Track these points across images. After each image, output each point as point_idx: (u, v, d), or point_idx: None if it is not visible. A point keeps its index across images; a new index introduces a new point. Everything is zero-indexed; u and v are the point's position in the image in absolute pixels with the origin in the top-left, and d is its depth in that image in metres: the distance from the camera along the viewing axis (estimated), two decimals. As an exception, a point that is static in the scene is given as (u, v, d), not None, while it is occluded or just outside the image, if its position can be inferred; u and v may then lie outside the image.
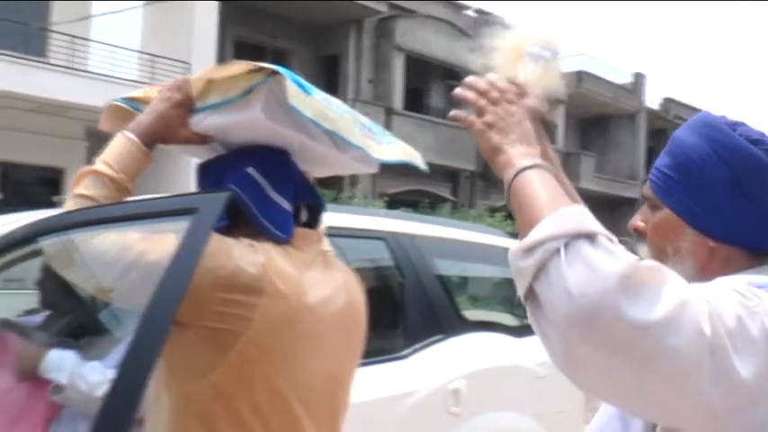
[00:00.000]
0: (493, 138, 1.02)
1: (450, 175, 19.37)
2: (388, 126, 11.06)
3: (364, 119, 1.47)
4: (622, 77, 25.94)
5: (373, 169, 1.57)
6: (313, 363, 1.34)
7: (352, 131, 1.39)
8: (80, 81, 11.47)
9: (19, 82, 10.90)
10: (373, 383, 2.51)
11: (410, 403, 2.68)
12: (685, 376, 0.79)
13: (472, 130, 1.06)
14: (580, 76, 23.06)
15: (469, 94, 1.07)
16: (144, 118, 1.39)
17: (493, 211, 16.33)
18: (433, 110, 19.00)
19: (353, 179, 16.79)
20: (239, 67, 1.33)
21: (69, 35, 12.30)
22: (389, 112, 17.32)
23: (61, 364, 1.95)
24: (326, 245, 1.55)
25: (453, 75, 19.36)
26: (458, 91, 1.08)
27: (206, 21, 13.72)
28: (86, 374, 1.94)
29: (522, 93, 1.08)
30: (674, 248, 0.97)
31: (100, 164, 1.34)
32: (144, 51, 13.79)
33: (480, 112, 1.05)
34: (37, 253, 1.50)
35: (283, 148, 1.43)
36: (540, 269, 0.84)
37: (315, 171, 1.56)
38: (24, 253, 1.54)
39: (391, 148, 1.50)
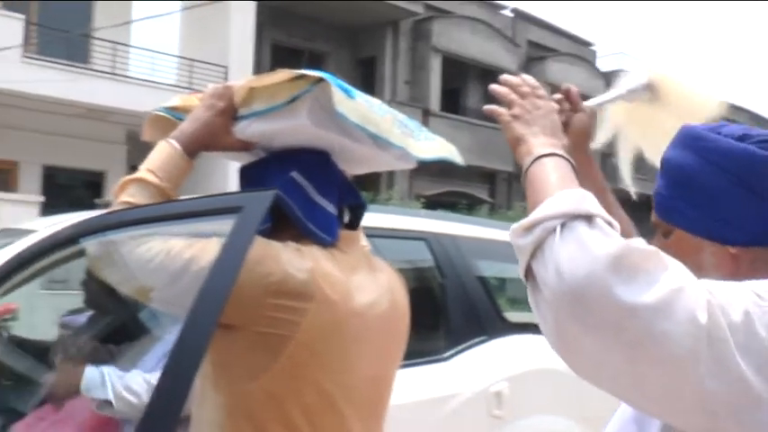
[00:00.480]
0: (517, 128, 1.07)
1: (487, 177, 19.25)
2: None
3: (401, 116, 1.47)
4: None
5: (411, 165, 1.57)
6: (359, 364, 1.34)
7: (393, 131, 1.39)
8: (121, 86, 11.69)
9: (64, 88, 11.13)
10: (415, 385, 2.49)
11: (452, 406, 2.65)
12: (678, 364, 0.78)
13: (499, 121, 1.10)
14: (618, 74, 22.67)
15: (502, 89, 1.13)
16: (187, 126, 1.40)
17: (532, 212, 16.14)
18: (469, 111, 18.91)
19: (390, 181, 16.78)
20: (282, 74, 1.33)
21: (111, 41, 12.52)
22: (426, 113, 17.27)
23: (101, 380, 1.95)
24: (365, 242, 1.55)
25: (490, 75, 19.28)
26: (492, 87, 1.14)
27: (243, 25, 13.85)
28: (130, 385, 1.94)
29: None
30: (696, 266, 0.93)
31: (144, 172, 1.34)
32: (182, 56, 13.97)
33: (509, 105, 1.10)
34: (81, 253, 1.51)
35: (324, 150, 1.43)
36: (538, 248, 0.85)
37: (353, 169, 1.55)
38: (69, 254, 1.55)
39: (429, 144, 1.51)
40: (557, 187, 0.92)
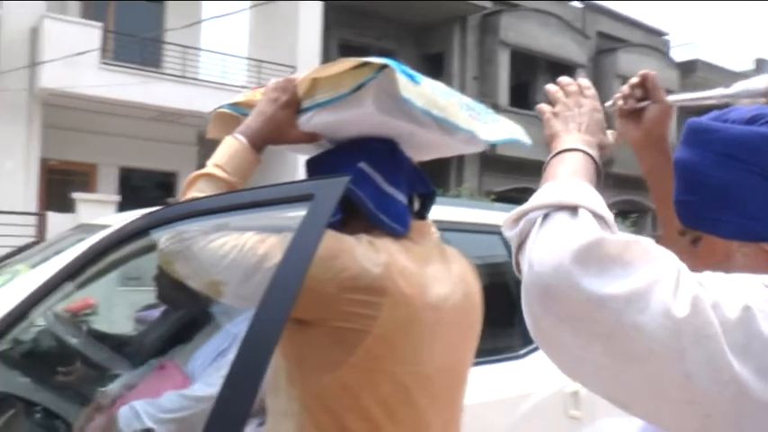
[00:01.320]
0: (554, 125, 1.08)
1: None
2: (493, 122, 10.84)
3: (467, 99, 1.44)
4: (742, 64, 24.49)
5: (480, 149, 1.55)
6: (434, 355, 1.33)
7: (459, 115, 1.36)
8: (192, 89, 11.94)
9: (138, 92, 11.48)
10: (489, 384, 2.42)
11: (528, 405, 2.57)
12: (656, 360, 0.73)
13: (542, 118, 1.12)
14: (694, 64, 21.95)
15: (552, 88, 1.14)
16: (253, 121, 1.40)
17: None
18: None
19: (459, 177, 16.67)
20: (345, 63, 1.31)
21: (181, 45, 12.83)
22: (495, 108, 16.71)
23: (134, 413, 1.95)
24: (434, 229, 1.53)
25: (559, 68, 18.92)
26: (547, 86, 1.15)
27: (310, 24, 13.99)
28: (164, 404, 1.94)
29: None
30: (731, 270, 0.85)
31: (212, 167, 1.35)
32: (250, 57, 14.20)
33: (554, 103, 1.12)
34: (153, 249, 1.50)
35: (391, 138, 1.41)
36: (522, 240, 0.85)
37: (420, 156, 1.52)
38: (143, 248, 1.54)
39: (496, 126, 1.48)
40: (561, 178, 0.91)
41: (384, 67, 1.28)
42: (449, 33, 17.78)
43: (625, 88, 1.29)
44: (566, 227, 0.81)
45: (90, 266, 1.41)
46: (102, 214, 6.76)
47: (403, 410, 1.29)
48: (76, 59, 10.12)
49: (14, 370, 2.44)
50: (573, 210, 0.83)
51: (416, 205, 1.46)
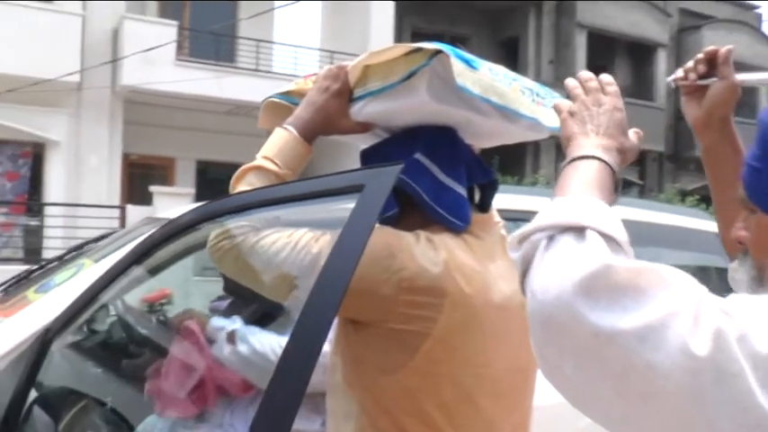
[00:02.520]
0: (570, 126, 0.99)
1: (636, 158, 18.24)
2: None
3: (531, 82, 1.36)
4: None
5: (544, 136, 1.44)
6: (499, 357, 1.26)
7: (522, 101, 1.28)
8: (265, 82, 12.06)
9: (214, 87, 11.72)
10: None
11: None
12: (674, 402, 0.66)
13: (559, 118, 1.03)
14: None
15: (571, 83, 1.06)
16: (303, 111, 1.35)
17: (684, 194, 15.11)
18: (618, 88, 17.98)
19: (536, 165, 16.35)
20: (397, 49, 1.24)
21: (254, 39, 13.02)
22: (572, 92, 16.61)
23: (230, 321, 1.99)
24: (498, 218, 1.45)
25: (639, 49, 18.22)
26: (567, 80, 1.07)
27: (382, 13, 13.95)
28: (251, 332, 1.95)
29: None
30: None
31: (262, 159, 1.31)
32: (322, 48, 14.27)
33: (572, 101, 1.03)
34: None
35: (449, 126, 1.33)
36: (527, 264, 0.78)
37: (481, 143, 1.45)
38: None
39: None
40: (572, 194, 0.83)
41: (438, 52, 1.20)
42: (523, 17, 17.42)
43: (689, 64, 1.21)
44: (571, 252, 0.73)
45: (139, 263, 1.39)
46: (177, 206, 6.92)
47: (465, 414, 1.23)
48: (154, 57, 10.38)
49: (85, 362, 2.48)
50: (580, 231, 0.75)
51: (477, 197, 1.39)
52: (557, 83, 16.87)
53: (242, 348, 1.91)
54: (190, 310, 2.52)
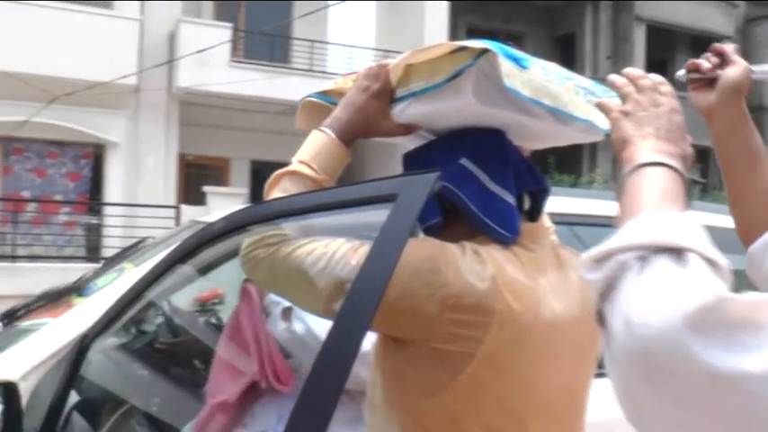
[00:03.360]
0: (625, 127, 0.90)
1: (699, 155, 17.49)
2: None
3: (586, 81, 1.26)
4: None
5: (598, 138, 1.35)
6: (549, 377, 1.17)
7: (576, 102, 1.19)
8: (319, 82, 12.01)
9: (268, 87, 11.81)
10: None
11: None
12: None
13: (608, 118, 0.96)
14: None
15: (619, 80, 0.98)
16: (341, 112, 1.27)
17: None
18: (679, 83, 17.36)
19: (592, 163, 16.02)
20: (442, 47, 1.16)
21: (308, 40, 13.08)
22: (630, 88, 16.23)
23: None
24: (549, 223, 1.36)
25: (701, 42, 17.66)
26: (611, 77, 1.00)
27: (437, 11, 13.86)
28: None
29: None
30: None
31: (297, 164, 1.24)
32: (377, 48, 14.24)
33: (623, 100, 0.95)
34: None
35: (497, 128, 1.24)
36: (609, 287, 0.68)
37: (532, 145, 1.36)
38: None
39: None
40: (650, 207, 0.74)
41: (484, 51, 1.11)
42: (580, 13, 17.09)
43: (698, 60, 1.18)
44: (674, 279, 0.63)
45: (169, 273, 1.35)
46: (230, 206, 7.00)
47: None
48: (209, 59, 10.53)
49: (131, 364, 2.48)
50: (678, 254, 0.66)
51: (526, 205, 1.28)
52: (615, 79, 16.44)
53: (297, 327, 1.82)
54: None
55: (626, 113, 0.92)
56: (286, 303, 1.83)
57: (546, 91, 1.13)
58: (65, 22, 10.59)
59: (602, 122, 1.22)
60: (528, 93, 1.10)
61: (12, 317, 2.52)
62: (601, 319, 0.69)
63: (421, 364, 1.11)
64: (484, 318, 1.08)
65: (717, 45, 1.16)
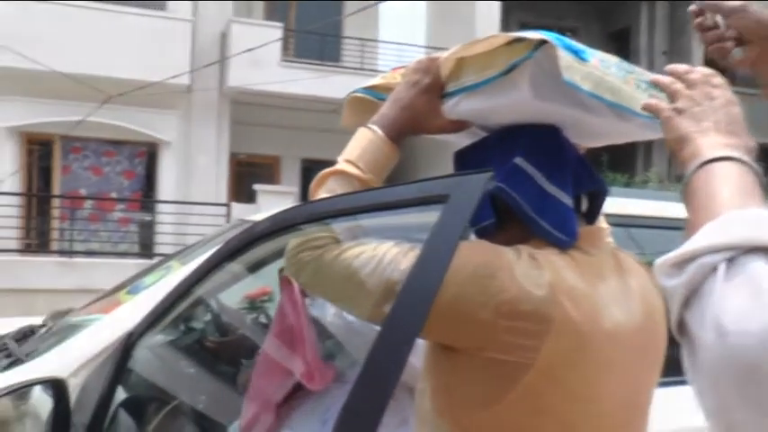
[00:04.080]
0: (680, 125, 0.85)
1: (764, 153, 17.14)
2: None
3: (647, 74, 1.18)
4: None
5: (659, 135, 1.27)
6: (609, 390, 1.10)
7: (638, 97, 1.11)
8: (369, 80, 12.07)
9: (318, 86, 11.87)
10: (679, 409, 2.08)
11: None
12: None
13: (660, 118, 0.90)
14: None
15: (664, 79, 0.94)
16: (388, 108, 1.22)
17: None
18: (741, 79, 16.87)
19: (647, 161, 15.66)
20: (497, 39, 1.10)
21: (358, 38, 13.10)
22: (688, 85, 15.85)
23: None
24: (605, 224, 1.29)
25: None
26: (654, 77, 0.98)
27: (489, 8, 13.73)
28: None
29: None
30: None
31: (344, 163, 1.19)
32: (428, 45, 14.17)
33: (673, 97, 0.90)
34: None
35: (553, 125, 1.18)
36: (692, 293, 0.63)
37: (589, 143, 1.29)
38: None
39: None
40: (727, 205, 0.68)
41: (542, 42, 1.05)
42: (635, 7, 16.76)
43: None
44: None
45: (215, 271, 1.33)
46: (281, 205, 7.05)
47: None
48: (259, 59, 10.60)
49: (179, 361, 2.49)
50: None
51: (584, 206, 1.22)
52: (671, 75, 16.07)
53: (350, 322, 1.77)
54: None
55: (679, 111, 0.87)
56: None
57: (606, 85, 1.07)
58: (120, 24, 10.82)
59: None
60: (588, 87, 1.04)
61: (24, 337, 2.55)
62: (681, 328, 0.64)
63: (474, 375, 1.06)
64: (541, 326, 1.02)
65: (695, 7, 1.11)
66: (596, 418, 1.09)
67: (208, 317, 2.73)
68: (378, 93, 1.34)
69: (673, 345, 1.25)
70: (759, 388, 0.55)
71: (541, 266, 1.05)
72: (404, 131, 1.21)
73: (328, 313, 1.80)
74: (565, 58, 1.02)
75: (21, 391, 1.75)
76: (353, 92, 1.39)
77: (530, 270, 1.04)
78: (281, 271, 1.98)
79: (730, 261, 0.61)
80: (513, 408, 1.04)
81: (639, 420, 1.19)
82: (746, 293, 0.58)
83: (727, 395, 0.58)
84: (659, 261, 0.67)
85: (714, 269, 0.62)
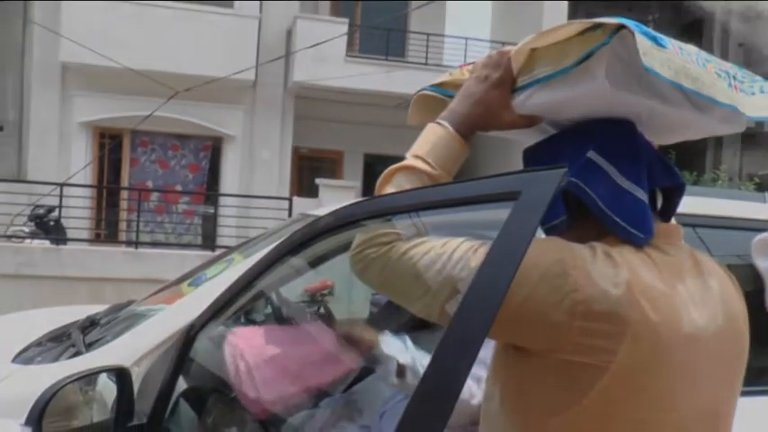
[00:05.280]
0: None
1: None
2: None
3: (726, 64, 1.13)
4: None
5: (740, 129, 1.21)
6: (690, 398, 1.04)
7: (717, 86, 1.05)
8: (434, 75, 11.95)
9: (383, 81, 11.88)
10: (763, 420, 1.98)
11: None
12: None
13: None
14: None
15: None
16: (458, 104, 1.19)
17: None
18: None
19: (716, 159, 15.13)
20: (571, 27, 1.05)
21: (424, 33, 13.05)
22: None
23: (403, 344, 1.80)
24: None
25: None
26: None
27: (556, 2, 13.43)
28: (423, 361, 1.76)
29: None
30: None
31: (413, 159, 1.17)
32: (493, 40, 14.02)
33: None
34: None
35: (628, 118, 1.12)
36: None
37: (663, 139, 1.23)
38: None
39: (766, 99, 1.12)
40: None
41: (620, 28, 0.99)
42: (710, -1, 16.18)
43: None
44: None
45: (276, 265, 1.31)
46: (343, 199, 7.08)
47: None
48: (324, 54, 10.67)
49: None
50: None
51: (659, 203, 1.17)
52: (748, 68, 15.45)
53: (413, 384, 1.72)
54: (358, 323, 2.41)
55: None
56: (401, 359, 1.74)
57: (686, 72, 1.01)
58: (189, 21, 11.06)
59: (747, 108, 1.08)
60: (668, 74, 0.98)
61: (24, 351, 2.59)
62: None
63: (546, 378, 1.02)
64: (618, 327, 0.97)
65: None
66: (677, 428, 1.04)
67: (268, 309, 2.74)
68: (445, 90, 1.31)
69: (756, 352, 1.18)
70: None
71: (618, 265, 1.00)
72: (474, 127, 1.18)
73: (392, 382, 1.76)
74: (643, 43, 0.97)
75: (87, 378, 1.78)
76: (421, 90, 1.37)
77: (606, 268, 0.99)
78: (347, 332, 1.96)
79: None
80: (587, 414, 0.99)
81: (723, 429, 1.13)
82: None
83: None
84: (758, 238, 0.61)
85: None
